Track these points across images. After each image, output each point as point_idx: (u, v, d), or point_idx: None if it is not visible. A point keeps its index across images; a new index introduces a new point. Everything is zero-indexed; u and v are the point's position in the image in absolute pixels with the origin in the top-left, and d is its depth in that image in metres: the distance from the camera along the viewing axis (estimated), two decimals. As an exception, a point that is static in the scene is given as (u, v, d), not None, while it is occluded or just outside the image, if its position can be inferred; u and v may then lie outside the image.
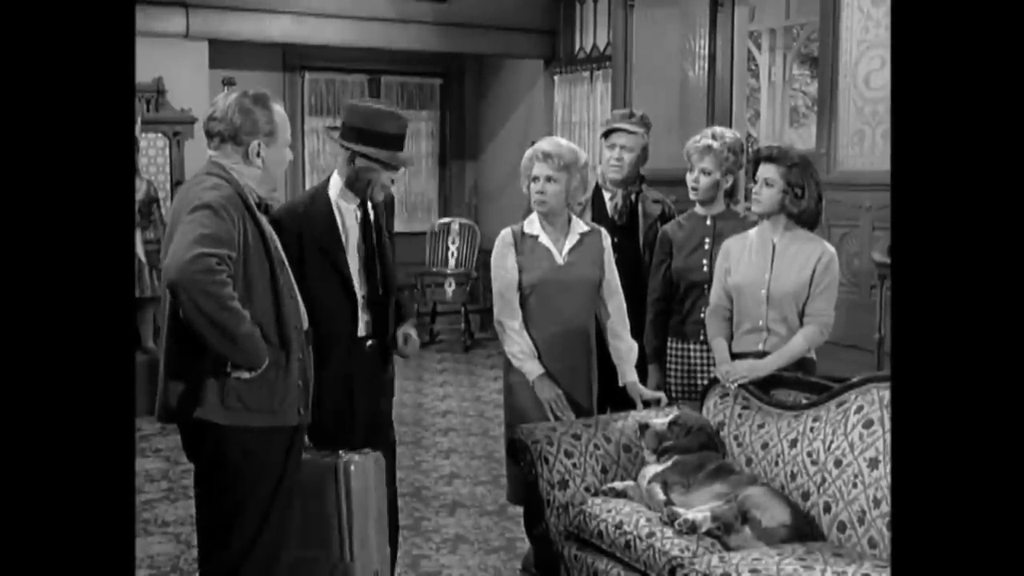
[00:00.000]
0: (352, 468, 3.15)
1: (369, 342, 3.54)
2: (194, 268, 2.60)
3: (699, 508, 3.24)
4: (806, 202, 3.72)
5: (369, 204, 3.57)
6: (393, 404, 3.81)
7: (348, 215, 3.53)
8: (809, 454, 3.40)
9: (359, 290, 3.50)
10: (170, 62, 7.86)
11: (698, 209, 4.22)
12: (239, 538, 2.85)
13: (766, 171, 3.73)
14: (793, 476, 3.43)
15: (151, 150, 8.11)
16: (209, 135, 2.89)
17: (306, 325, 3.02)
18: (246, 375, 2.77)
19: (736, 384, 3.75)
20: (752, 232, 3.88)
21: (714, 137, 4.14)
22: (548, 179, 3.79)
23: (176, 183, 8.23)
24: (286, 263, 2.98)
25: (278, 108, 2.93)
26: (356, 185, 3.50)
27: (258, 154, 2.88)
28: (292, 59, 9.80)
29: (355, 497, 3.14)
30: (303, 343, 2.98)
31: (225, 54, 8.73)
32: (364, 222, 3.55)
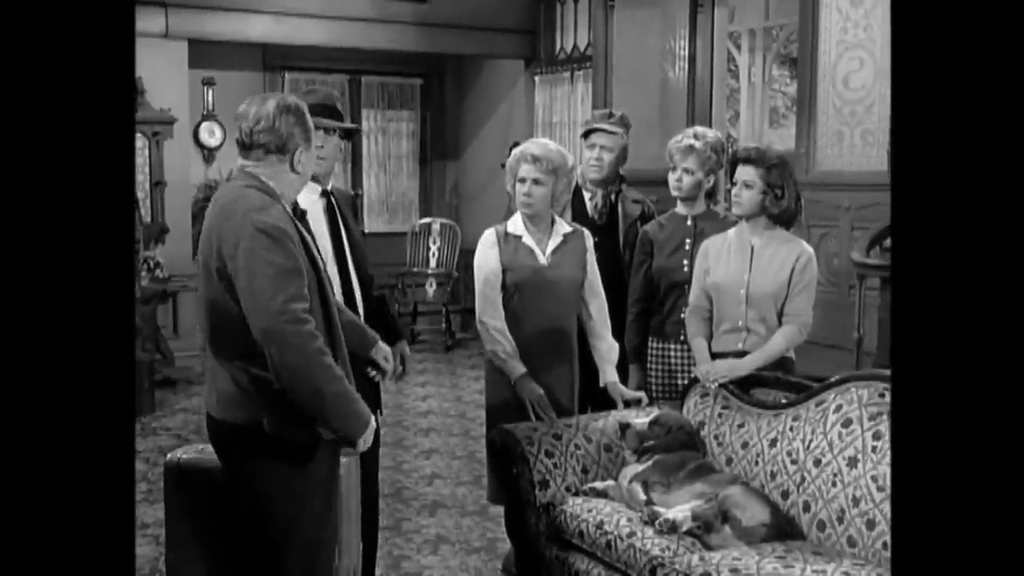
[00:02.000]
0: (339, 471, 3.13)
1: None
2: (283, 319, 2.57)
3: (679, 507, 3.25)
4: (786, 202, 3.74)
5: (331, 197, 3.55)
6: (381, 405, 3.75)
7: (311, 205, 3.46)
8: (789, 453, 3.41)
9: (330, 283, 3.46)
10: (149, 62, 7.81)
11: (679, 209, 4.23)
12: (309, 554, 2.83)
13: (745, 173, 3.74)
14: (773, 475, 3.44)
15: (130, 150, 8.07)
16: (251, 146, 2.78)
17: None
18: (351, 449, 2.73)
19: (716, 384, 3.76)
20: (731, 232, 3.89)
21: (696, 137, 4.15)
22: (535, 182, 3.79)
23: (155, 184, 8.19)
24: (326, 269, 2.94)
25: (308, 112, 2.91)
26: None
27: (299, 161, 2.83)
28: (272, 59, 9.78)
29: (342, 500, 3.13)
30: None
31: (205, 54, 8.70)
32: (329, 211, 3.52)
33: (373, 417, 2.77)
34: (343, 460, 3.11)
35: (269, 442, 2.72)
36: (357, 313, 3.51)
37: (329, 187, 3.57)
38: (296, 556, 2.79)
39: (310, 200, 3.47)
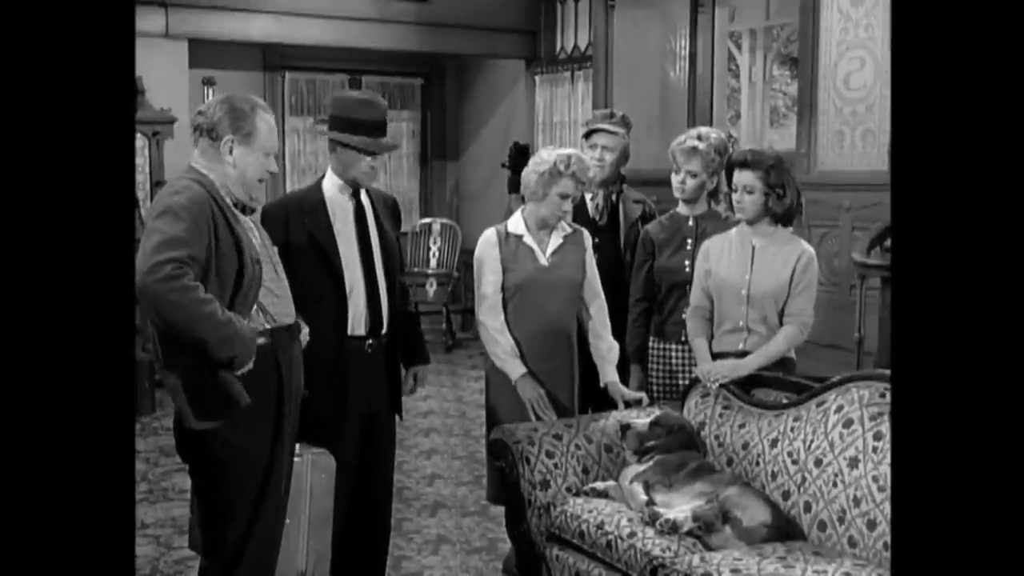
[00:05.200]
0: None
1: (369, 342, 3.50)
2: (154, 277, 2.58)
3: (680, 508, 3.25)
4: (788, 200, 3.73)
5: (364, 197, 3.55)
6: (402, 408, 3.78)
7: (340, 205, 3.50)
8: (790, 454, 3.41)
9: (353, 284, 3.45)
10: (149, 61, 7.79)
11: (680, 209, 4.22)
12: (233, 535, 2.85)
13: (744, 177, 3.72)
14: (774, 475, 3.44)
15: (130, 150, 8.05)
16: (192, 128, 2.91)
17: (290, 320, 3.00)
18: (237, 373, 2.77)
19: (717, 384, 3.76)
20: (732, 232, 3.89)
21: (700, 138, 4.13)
22: (573, 199, 3.88)
23: (156, 184, 8.17)
24: (270, 260, 2.95)
25: (265, 115, 2.91)
26: (344, 175, 3.50)
27: (230, 151, 2.85)
28: (272, 59, 9.77)
29: (295, 500, 3.14)
30: (286, 338, 2.97)
31: (205, 54, 8.68)
32: (359, 213, 3.52)
33: (259, 337, 2.81)
34: (302, 465, 3.13)
35: (197, 433, 2.80)
36: (381, 320, 3.52)
37: (362, 189, 3.56)
38: (232, 538, 2.87)
39: (340, 200, 3.50)
